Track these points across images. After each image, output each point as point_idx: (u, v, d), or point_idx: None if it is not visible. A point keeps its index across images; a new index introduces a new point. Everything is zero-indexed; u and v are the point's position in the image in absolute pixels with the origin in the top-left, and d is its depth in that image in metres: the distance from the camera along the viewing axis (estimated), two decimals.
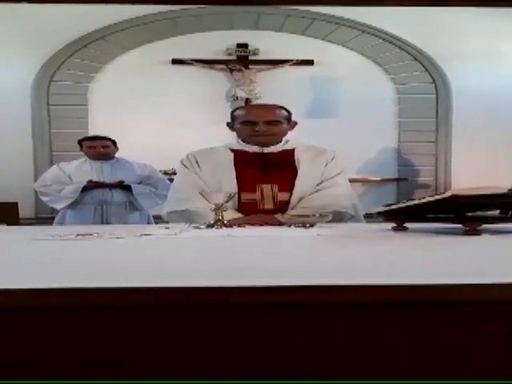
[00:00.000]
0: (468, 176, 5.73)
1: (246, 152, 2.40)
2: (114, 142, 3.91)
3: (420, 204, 1.45)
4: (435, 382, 0.68)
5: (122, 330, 0.68)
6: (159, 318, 0.68)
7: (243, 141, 2.45)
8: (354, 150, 5.27)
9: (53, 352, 0.67)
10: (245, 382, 0.68)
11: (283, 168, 2.34)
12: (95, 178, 3.77)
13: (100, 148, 3.82)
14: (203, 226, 1.88)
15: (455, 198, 1.31)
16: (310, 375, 0.68)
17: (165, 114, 5.84)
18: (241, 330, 0.68)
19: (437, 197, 1.37)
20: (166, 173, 4.85)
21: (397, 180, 6.10)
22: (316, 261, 0.99)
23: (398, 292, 0.68)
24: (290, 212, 2.21)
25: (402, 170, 6.11)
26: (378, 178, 5.98)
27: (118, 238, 1.43)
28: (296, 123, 2.51)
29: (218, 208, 1.89)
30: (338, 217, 2.21)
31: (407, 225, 1.62)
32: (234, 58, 5.98)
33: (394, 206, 1.57)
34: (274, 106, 2.46)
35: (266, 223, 2.05)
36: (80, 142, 3.91)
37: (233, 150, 2.42)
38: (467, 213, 1.49)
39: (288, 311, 0.68)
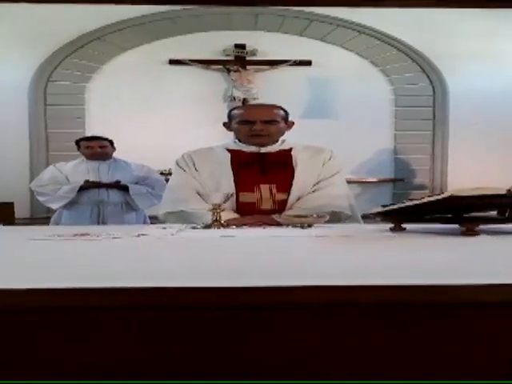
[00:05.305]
0: (464, 177, 5.73)
1: (243, 152, 2.39)
2: (111, 142, 3.91)
3: (418, 204, 1.45)
4: (435, 382, 0.68)
5: (119, 330, 0.67)
6: (156, 319, 0.67)
7: (240, 141, 2.44)
8: (350, 150, 5.26)
9: (52, 352, 0.67)
10: (242, 382, 0.67)
11: (281, 168, 2.33)
12: (92, 178, 3.76)
13: (97, 148, 3.81)
14: (200, 227, 1.88)
15: (454, 199, 1.30)
16: (308, 375, 0.68)
17: (162, 114, 5.84)
18: (237, 331, 0.68)
19: (435, 197, 1.37)
20: (162, 173, 4.83)
21: (393, 181, 6.10)
22: (313, 261, 0.99)
23: (396, 292, 0.68)
24: (288, 212, 2.20)
25: (398, 170, 6.11)
26: (374, 179, 5.98)
27: (115, 238, 1.43)
28: (293, 123, 2.51)
29: (216, 208, 1.89)
30: (335, 217, 2.21)
31: (405, 225, 1.62)
32: (231, 58, 5.97)
33: (393, 207, 1.57)
34: (271, 105, 2.46)
35: (264, 223, 2.05)
36: (77, 142, 3.91)
37: (230, 150, 2.41)
38: (465, 213, 1.49)
39: (285, 312, 0.68)
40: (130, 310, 0.67)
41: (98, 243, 1.32)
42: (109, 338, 0.67)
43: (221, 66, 5.98)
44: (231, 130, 2.49)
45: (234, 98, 5.89)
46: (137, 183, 3.87)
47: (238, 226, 1.94)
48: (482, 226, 1.40)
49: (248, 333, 0.68)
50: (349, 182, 2.50)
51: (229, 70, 5.96)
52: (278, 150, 2.42)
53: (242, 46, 5.96)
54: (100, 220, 3.71)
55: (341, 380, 0.67)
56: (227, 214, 2.10)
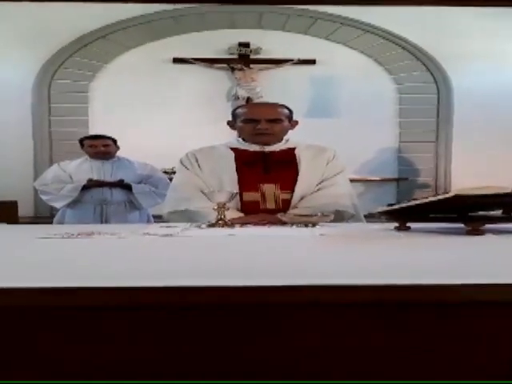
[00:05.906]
0: (468, 176, 5.71)
1: (246, 151, 2.39)
2: (114, 141, 3.91)
3: (423, 204, 1.44)
4: (435, 382, 0.68)
5: (120, 330, 0.67)
6: (156, 318, 0.67)
7: (244, 140, 2.44)
8: (354, 149, 5.26)
9: (52, 352, 0.67)
10: (242, 382, 0.67)
11: (284, 167, 2.33)
12: (95, 177, 3.76)
13: (101, 147, 3.81)
14: (204, 226, 1.88)
15: (458, 198, 1.30)
16: (308, 375, 0.67)
17: (166, 112, 5.84)
18: (240, 330, 0.68)
19: (440, 197, 1.36)
20: (166, 172, 4.83)
21: (397, 180, 6.08)
22: (315, 261, 0.99)
23: (396, 292, 0.67)
24: (292, 211, 2.20)
25: (402, 169, 6.10)
26: (378, 178, 5.97)
27: (119, 237, 1.43)
28: (297, 122, 2.50)
29: (220, 207, 1.88)
30: (339, 216, 2.20)
31: (410, 224, 1.61)
32: (235, 56, 5.96)
33: (397, 206, 1.56)
34: (275, 104, 2.46)
35: (268, 222, 2.04)
36: (81, 141, 3.91)
37: (233, 149, 2.41)
38: (470, 212, 1.49)
39: (286, 311, 0.68)
40: (130, 310, 0.67)
41: (100, 242, 1.32)
42: (109, 338, 0.67)
43: (225, 65, 5.96)
44: (235, 129, 2.48)
45: (238, 97, 5.87)
46: (140, 182, 3.87)
47: (242, 225, 1.93)
48: (486, 226, 1.40)
49: (248, 332, 0.68)
50: (352, 180, 2.49)
51: (233, 69, 5.95)
52: (281, 149, 2.41)
53: (246, 45, 5.95)
54: (103, 219, 3.71)
55: (341, 380, 0.67)
56: (231, 213, 2.09)
